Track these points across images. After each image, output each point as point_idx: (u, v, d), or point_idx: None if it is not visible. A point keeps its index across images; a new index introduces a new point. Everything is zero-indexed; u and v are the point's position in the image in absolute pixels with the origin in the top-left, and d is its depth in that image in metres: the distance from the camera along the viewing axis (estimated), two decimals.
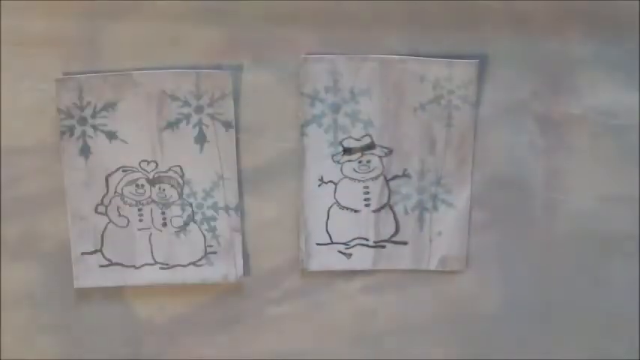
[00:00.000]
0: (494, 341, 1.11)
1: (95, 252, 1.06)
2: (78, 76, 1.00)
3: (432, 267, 1.09)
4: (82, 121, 1.01)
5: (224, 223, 1.06)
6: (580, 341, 1.11)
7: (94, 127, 1.02)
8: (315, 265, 1.08)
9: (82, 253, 1.06)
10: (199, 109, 1.02)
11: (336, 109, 1.03)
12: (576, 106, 1.03)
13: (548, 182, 1.06)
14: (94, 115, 1.01)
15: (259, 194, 1.05)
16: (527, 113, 1.03)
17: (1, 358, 1.09)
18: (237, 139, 1.03)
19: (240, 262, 1.07)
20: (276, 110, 1.03)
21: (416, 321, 1.10)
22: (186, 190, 1.05)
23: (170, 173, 1.04)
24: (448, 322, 1.11)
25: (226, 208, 1.05)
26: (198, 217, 1.06)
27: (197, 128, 1.02)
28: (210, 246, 1.06)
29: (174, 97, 1.01)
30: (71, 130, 1.01)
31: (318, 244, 1.08)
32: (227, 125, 1.02)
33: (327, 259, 1.08)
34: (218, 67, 1.01)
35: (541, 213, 1.07)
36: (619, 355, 1.12)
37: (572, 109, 1.04)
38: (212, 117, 1.02)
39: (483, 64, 1.02)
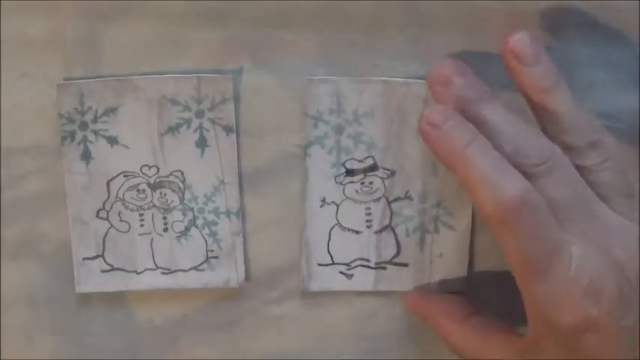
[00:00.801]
0: None
1: (96, 257, 1.06)
2: (79, 81, 1.00)
3: (433, 289, 1.09)
4: (83, 126, 1.01)
5: (225, 228, 1.06)
6: None
7: (95, 133, 1.02)
8: (315, 285, 1.08)
9: (84, 259, 1.06)
10: (200, 114, 1.02)
11: (339, 130, 1.03)
12: None
13: None
14: (94, 120, 1.01)
15: (260, 198, 1.05)
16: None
17: (1, 358, 1.09)
18: (238, 144, 1.03)
19: (241, 266, 1.07)
20: (277, 114, 1.03)
21: (416, 321, 1.10)
22: (187, 195, 1.05)
23: (171, 178, 1.04)
24: None
25: (227, 213, 1.05)
26: (199, 222, 1.05)
27: (198, 133, 1.02)
28: (212, 251, 1.06)
29: (174, 102, 1.01)
30: (72, 135, 1.02)
31: (319, 265, 1.07)
32: (228, 129, 1.02)
33: (328, 280, 1.08)
34: (218, 71, 1.01)
35: None
36: None
37: None
38: (213, 121, 1.02)
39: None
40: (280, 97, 1.02)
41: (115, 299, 1.08)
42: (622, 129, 1.04)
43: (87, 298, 1.08)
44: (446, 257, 1.08)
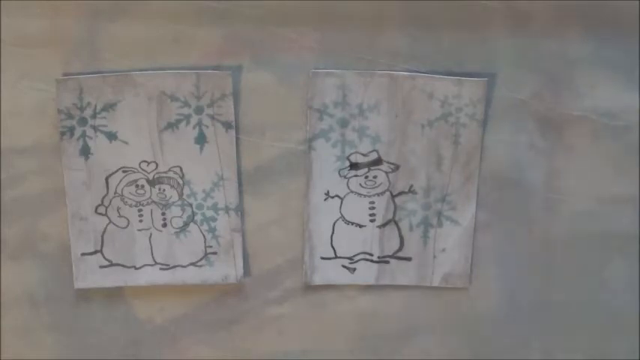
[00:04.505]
0: (494, 341, 1.11)
1: (95, 253, 1.06)
2: (78, 76, 1.00)
3: (435, 283, 1.09)
4: (82, 121, 1.01)
5: (224, 224, 1.06)
6: (580, 341, 1.11)
7: (94, 128, 1.02)
8: (318, 279, 1.08)
9: (82, 254, 1.06)
10: (199, 110, 1.02)
11: (344, 123, 1.03)
12: (576, 106, 1.03)
13: (548, 182, 1.06)
14: (93, 116, 1.01)
15: (259, 194, 1.05)
16: (527, 113, 1.03)
17: (1, 358, 1.09)
18: (237, 140, 1.03)
19: (240, 262, 1.07)
20: (276, 110, 1.03)
21: (416, 321, 1.10)
22: (186, 191, 1.05)
23: (170, 174, 1.04)
24: (448, 322, 1.11)
25: (226, 209, 1.05)
26: (198, 218, 1.05)
27: (197, 129, 1.02)
28: (210, 247, 1.06)
29: (174, 98, 1.01)
30: (71, 130, 1.01)
31: (322, 258, 1.08)
32: (227, 126, 1.02)
33: (330, 274, 1.08)
34: (218, 68, 1.01)
35: (541, 213, 1.07)
36: (619, 355, 1.12)
37: (572, 109, 1.04)
38: (212, 117, 1.02)
39: (491, 82, 1.03)
40: (280, 94, 1.02)
41: (116, 298, 1.09)
42: (622, 128, 1.04)
43: (87, 298, 1.08)
44: (449, 252, 1.08)
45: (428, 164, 1.04)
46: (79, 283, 1.07)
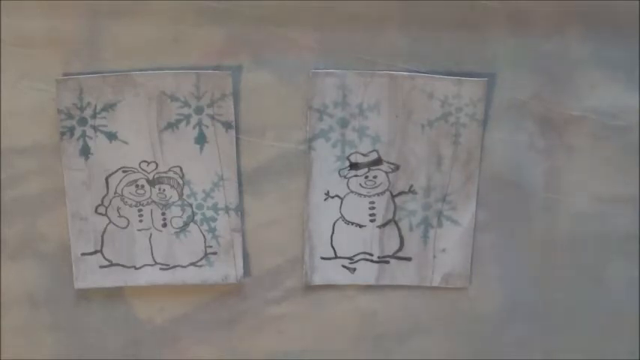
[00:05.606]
0: (494, 341, 1.11)
1: (95, 253, 1.06)
2: (78, 76, 1.00)
3: (435, 283, 1.09)
4: (82, 121, 1.01)
5: (224, 224, 1.06)
6: (580, 341, 1.11)
7: (94, 128, 1.02)
8: (318, 279, 1.08)
9: (82, 254, 1.06)
10: (199, 110, 1.02)
11: (344, 124, 1.03)
12: (576, 106, 1.03)
13: (548, 182, 1.06)
14: (93, 116, 1.01)
15: (259, 194, 1.05)
16: (527, 113, 1.03)
17: (1, 358, 1.09)
18: (237, 140, 1.03)
19: (240, 263, 1.07)
20: (276, 110, 1.03)
21: (416, 321, 1.10)
22: (186, 191, 1.04)
23: (170, 174, 1.04)
24: (448, 322, 1.11)
25: (226, 209, 1.05)
26: (198, 218, 1.05)
27: (197, 129, 1.02)
28: (210, 247, 1.06)
29: (174, 98, 1.01)
30: (71, 130, 1.01)
31: (322, 258, 1.08)
32: (227, 126, 1.02)
33: (330, 274, 1.08)
34: (218, 68, 1.01)
35: (541, 213, 1.07)
36: (619, 355, 1.12)
37: (572, 109, 1.04)
38: (212, 117, 1.02)
39: (491, 83, 1.03)
40: (280, 94, 1.02)
41: (116, 298, 1.09)
42: (622, 128, 1.04)
43: (87, 298, 1.08)
44: (449, 252, 1.08)
45: (428, 164, 1.04)
46: (79, 283, 1.07)
